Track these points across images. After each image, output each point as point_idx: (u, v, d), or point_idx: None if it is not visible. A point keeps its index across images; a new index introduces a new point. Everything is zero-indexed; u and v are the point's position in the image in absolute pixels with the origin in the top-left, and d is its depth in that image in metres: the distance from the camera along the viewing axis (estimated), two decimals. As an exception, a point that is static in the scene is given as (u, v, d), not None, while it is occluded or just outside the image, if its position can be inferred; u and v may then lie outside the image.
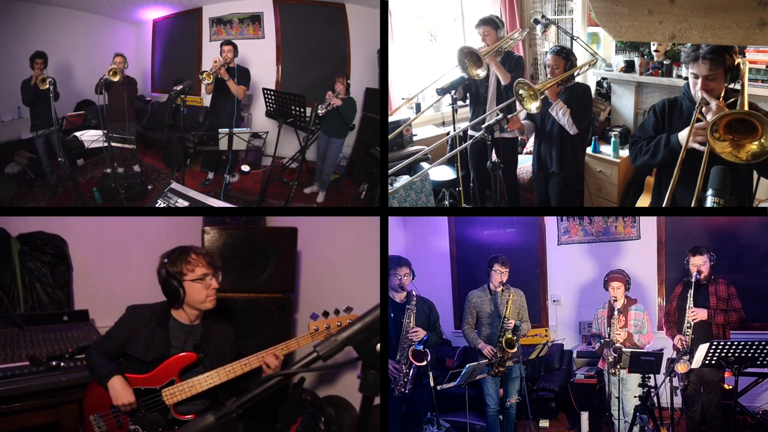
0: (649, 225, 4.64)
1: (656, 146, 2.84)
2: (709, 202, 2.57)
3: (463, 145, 4.18)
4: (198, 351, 2.73)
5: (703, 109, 2.65)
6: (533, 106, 3.46)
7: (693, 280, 3.46)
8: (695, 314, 3.38)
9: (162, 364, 2.66)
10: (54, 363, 3.02)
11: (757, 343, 3.04)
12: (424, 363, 3.29)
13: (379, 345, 1.20)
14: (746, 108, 2.53)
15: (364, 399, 1.23)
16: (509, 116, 3.63)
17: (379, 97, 5.06)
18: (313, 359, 1.22)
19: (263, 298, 3.71)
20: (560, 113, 3.64)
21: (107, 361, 2.69)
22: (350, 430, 3.52)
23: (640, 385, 3.45)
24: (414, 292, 3.41)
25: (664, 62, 4.39)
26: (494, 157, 3.76)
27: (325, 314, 2.82)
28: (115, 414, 2.65)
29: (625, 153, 4.29)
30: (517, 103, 3.61)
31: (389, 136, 4.53)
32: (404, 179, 4.37)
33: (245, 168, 5.79)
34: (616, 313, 3.55)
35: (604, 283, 3.70)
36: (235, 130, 4.82)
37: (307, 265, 4.42)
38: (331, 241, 4.21)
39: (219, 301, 2.81)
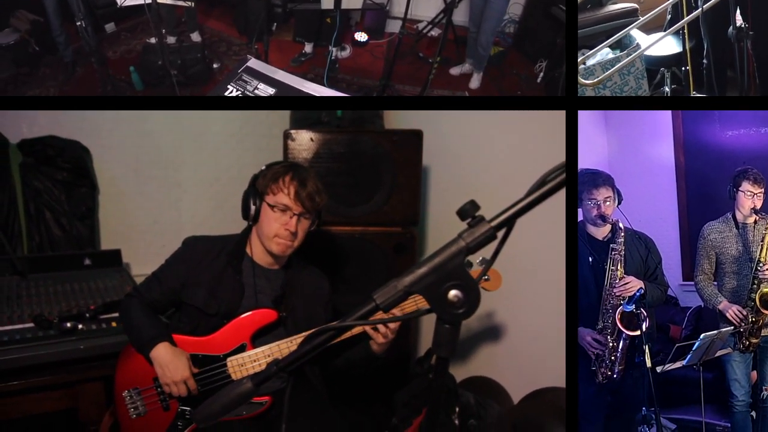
0: None
1: None
2: None
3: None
4: (279, 307, 2.80)
5: None
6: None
7: None
8: None
9: (229, 322, 2.74)
10: (69, 325, 3.02)
11: None
12: (639, 332, 3.11)
13: (452, 292, 1.26)
14: None
15: (437, 360, 1.36)
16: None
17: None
18: (370, 309, 1.31)
19: (373, 234, 3.77)
20: None
21: (151, 319, 2.76)
22: (501, 426, 3.51)
23: None
24: (622, 225, 3.26)
25: None
26: (739, 19, 3.54)
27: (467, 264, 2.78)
28: (159, 389, 2.71)
29: None
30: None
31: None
32: (603, 54, 4.13)
33: (361, 37, 5.71)
34: None
35: None
36: (345, -22, 4.63)
37: (441, 186, 4.45)
38: (483, 148, 4.13)
39: (308, 237, 2.85)
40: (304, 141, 3.69)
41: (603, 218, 3.26)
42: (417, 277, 1.27)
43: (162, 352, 2.61)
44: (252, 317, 2.74)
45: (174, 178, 4.42)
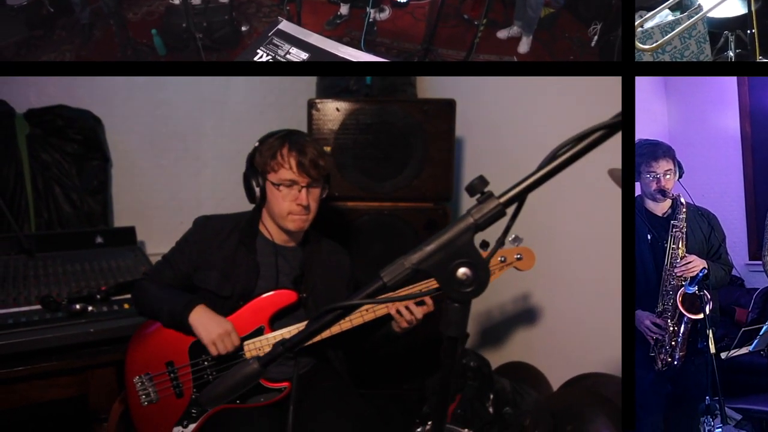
0: None
1: None
2: None
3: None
4: (298, 287, 2.82)
5: None
6: None
7: None
8: None
9: (246, 304, 2.75)
10: (78, 307, 3.02)
11: None
12: (701, 316, 3.06)
13: (461, 270, 1.30)
14: None
15: (446, 340, 1.41)
16: None
17: None
18: (377, 288, 1.35)
19: (403, 210, 3.77)
20: None
21: (177, 290, 2.80)
22: (538, 414, 3.50)
23: None
24: (683, 200, 3.22)
25: None
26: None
27: (484, 245, 2.77)
28: (173, 374, 2.72)
29: None
30: None
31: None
32: (662, 16, 4.03)
33: (401, -4, 5.63)
34: None
35: None
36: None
37: (476, 159, 4.45)
38: (526, 118, 4.09)
39: (334, 214, 2.92)
40: (330, 111, 3.70)
41: (663, 193, 3.21)
42: (425, 255, 1.31)
43: (202, 312, 2.62)
44: (271, 299, 2.74)
45: (193, 151, 4.41)
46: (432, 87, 4.69)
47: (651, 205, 3.29)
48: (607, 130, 1.22)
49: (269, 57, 3.31)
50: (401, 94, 4.31)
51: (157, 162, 4.35)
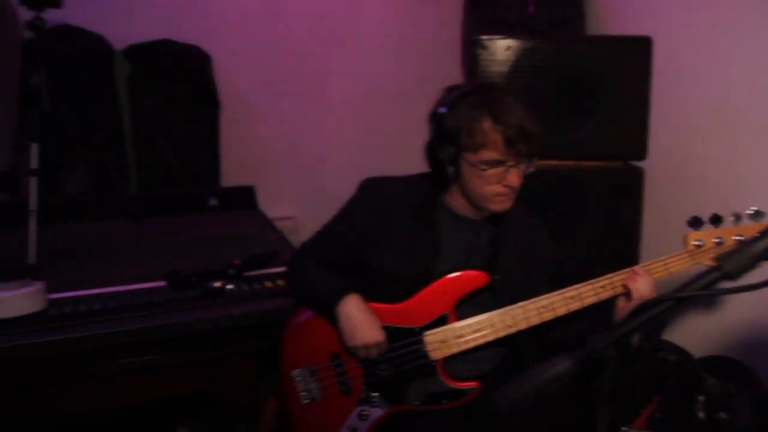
0: None
1: None
2: None
3: None
4: (489, 268, 2.70)
5: None
6: None
7: None
8: None
9: (427, 287, 2.67)
10: (217, 285, 3.08)
11: None
12: None
13: None
14: None
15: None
16: None
17: None
18: (716, 277, 1.37)
19: (587, 169, 3.79)
20: None
21: (336, 275, 2.75)
22: (760, 420, 3.41)
23: None
24: None
25: None
26: None
27: (716, 220, 2.63)
28: (340, 368, 2.72)
29: None
30: None
31: None
32: None
33: None
34: None
35: None
36: None
37: (668, 108, 4.21)
38: (744, 62, 3.81)
39: None
40: (499, 50, 3.67)
41: None
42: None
43: (353, 305, 2.58)
44: (457, 281, 2.64)
45: (316, 93, 4.38)
46: (607, 20, 4.46)
47: None
48: None
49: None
50: (570, 27, 4.21)
51: (274, 107, 4.34)
